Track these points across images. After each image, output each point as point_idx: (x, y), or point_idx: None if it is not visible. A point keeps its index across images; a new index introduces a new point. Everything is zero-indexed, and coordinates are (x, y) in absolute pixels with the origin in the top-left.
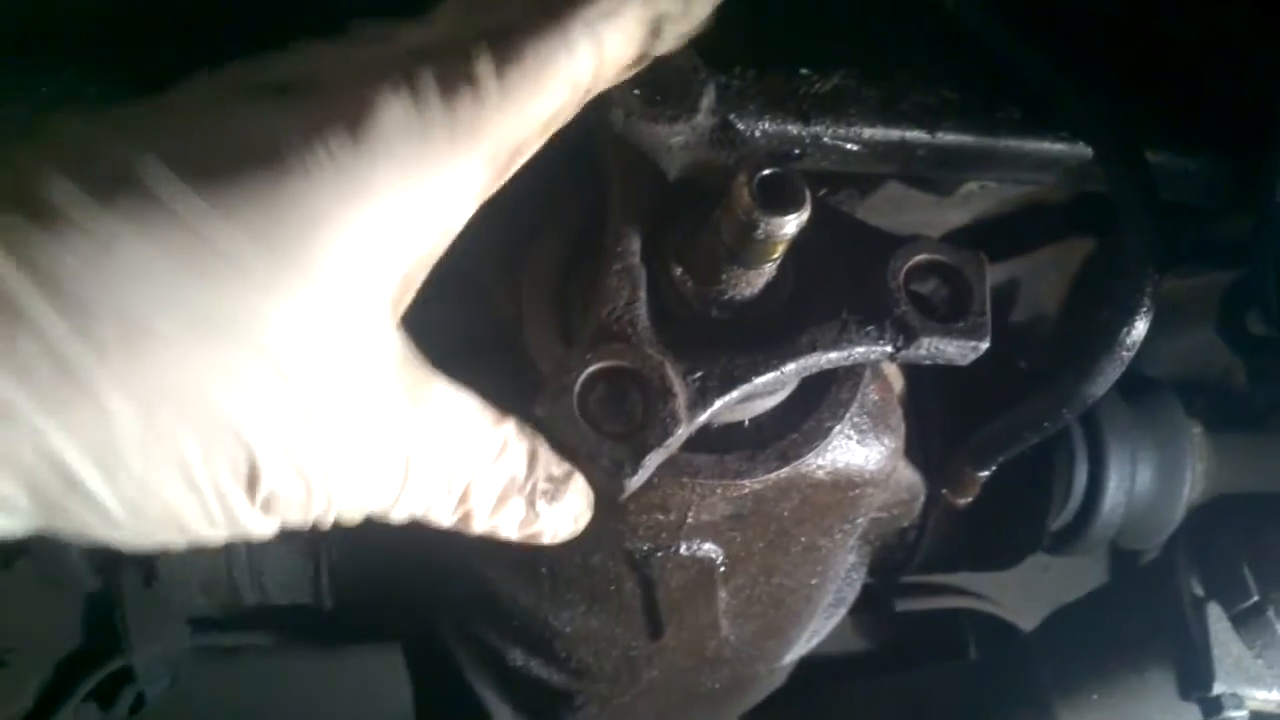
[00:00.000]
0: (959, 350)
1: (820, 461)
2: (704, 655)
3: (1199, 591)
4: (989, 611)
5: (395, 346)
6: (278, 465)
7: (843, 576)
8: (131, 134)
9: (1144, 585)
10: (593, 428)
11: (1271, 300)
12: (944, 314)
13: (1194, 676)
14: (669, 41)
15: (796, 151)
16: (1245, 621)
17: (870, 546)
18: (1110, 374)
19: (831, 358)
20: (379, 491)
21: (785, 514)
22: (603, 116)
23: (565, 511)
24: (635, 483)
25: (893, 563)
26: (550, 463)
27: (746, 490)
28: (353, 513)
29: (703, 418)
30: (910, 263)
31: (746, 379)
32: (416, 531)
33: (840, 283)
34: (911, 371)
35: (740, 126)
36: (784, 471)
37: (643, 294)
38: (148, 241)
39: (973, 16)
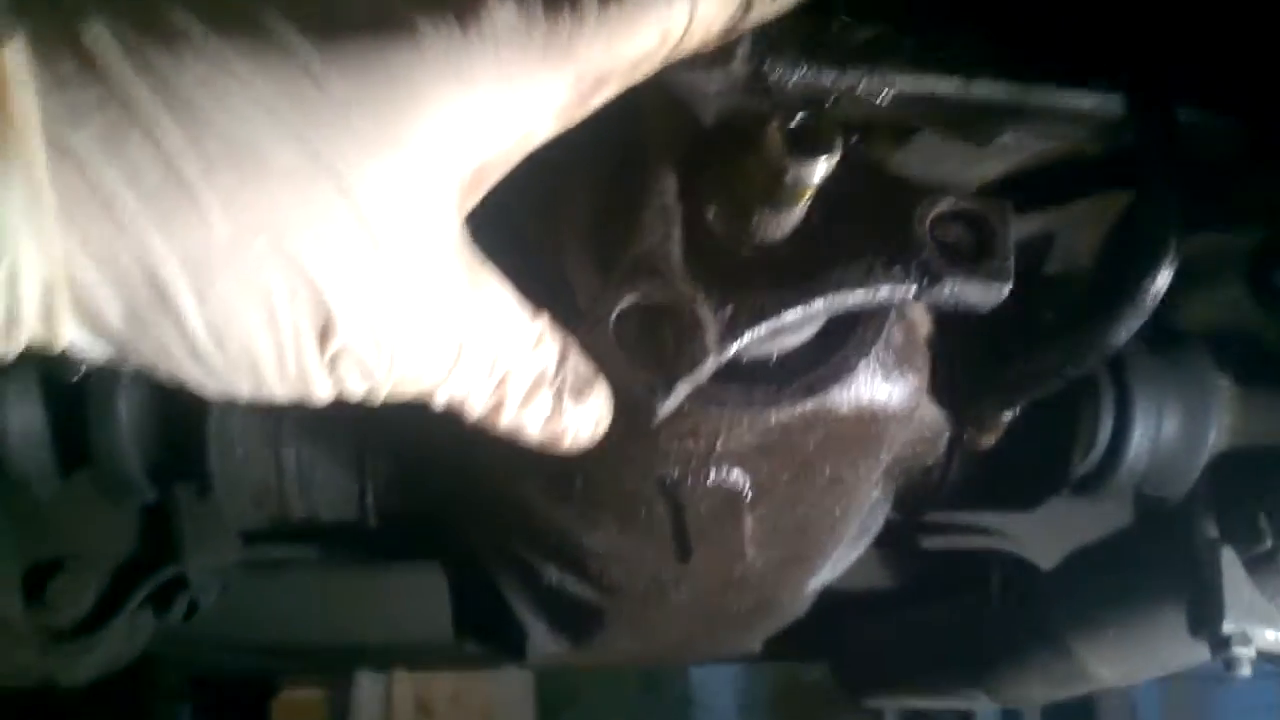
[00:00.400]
0: (981, 293)
1: (845, 396)
2: (730, 579)
3: (1214, 535)
4: (1011, 552)
5: (461, 230)
6: (352, 322)
7: (867, 510)
8: None
9: (1162, 528)
10: (626, 356)
11: None
12: (968, 258)
13: (1204, 614)
14: (756, 17)
15: (832, 98)
16: (1258, 566)
17: (895, 483)
18: (1132, 323)
19: (857, 296)
20: (432, 368)
21: (811, 446)
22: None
23: (588, 413)
24: (665, 409)
25: (917, 499)
26: (579, 362)
27: (773, 422)
28: (405, 388)
29: (731, 350)
30: (936, 210)
31: (774, 314)
32: (458, 454)
33: (869, 227)
34: (940, 315)
35: (774, 75)
36: (809, 404)
37: (677, 232)
38: (264, 75)
39: None
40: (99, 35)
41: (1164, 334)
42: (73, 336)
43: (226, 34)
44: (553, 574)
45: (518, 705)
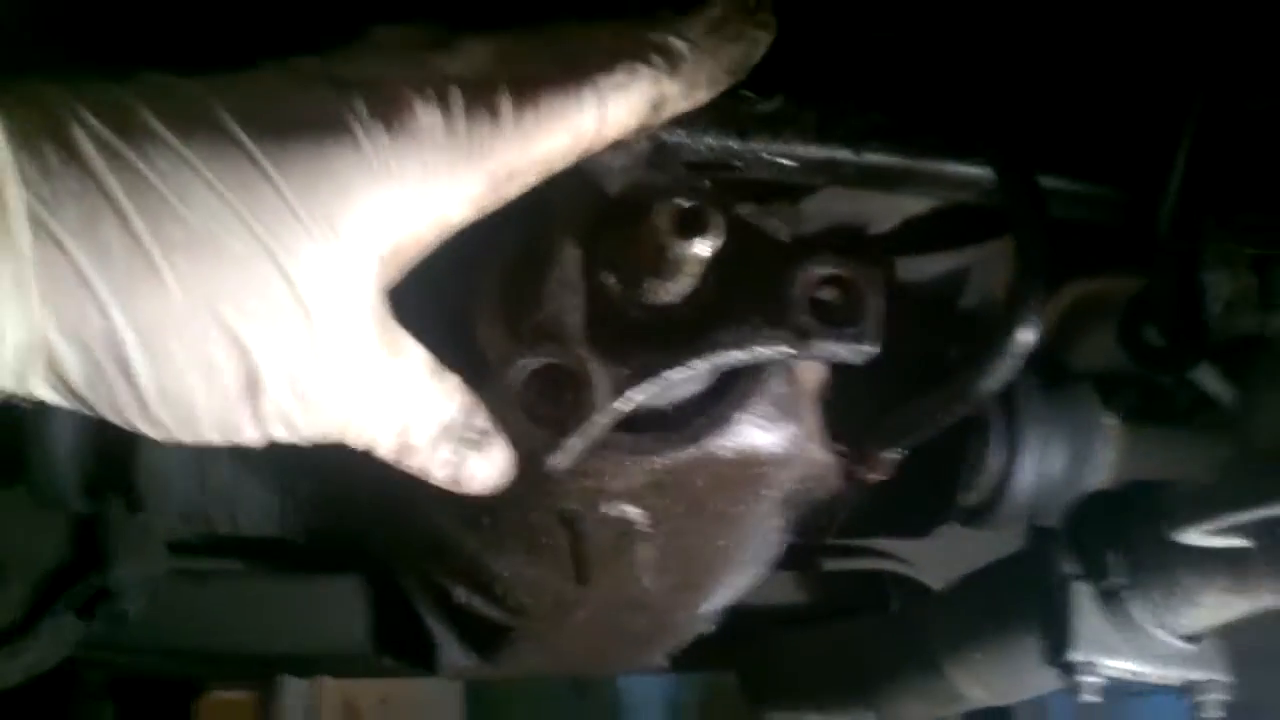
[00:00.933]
0: (850, 353)
1: (725, 443)
2: (627, 602)
3: (1070, 570)
4: (905, 574)
5: (381, 303)
6: (277, 382)
7: (760, 538)
8: (209, 89)
9: (1026, 562)
10: (528, 415)
11: (1163, 317)
12: (840, 320)
13: (1056, 644)
14: (668, 114)
15: (737, 164)
16: (1108, 599)
17: (792, 513)
18: (1000, 375)
19: (737, 356)
20: (346, 419)
21: (698, 485)
22: None
23: (489, 464)
24: (559, 463)
25: (815, 527)
26: (482, 419)
27: (659, 466)
28: (320, 435)
29: (619, 405)
30: (812, 274)
31: (659, 372)
32: (376, 478)
33: (752, 289)
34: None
35: (674, 144)
36: (693, 450)
37: (578, 299)
38: (222, 169)
39: (899, 57)
40: (80, 131)
41: (1055, 372)
42: (40, 393)
43: (189, 134)
44: (462, 594)
45: (446, 710)
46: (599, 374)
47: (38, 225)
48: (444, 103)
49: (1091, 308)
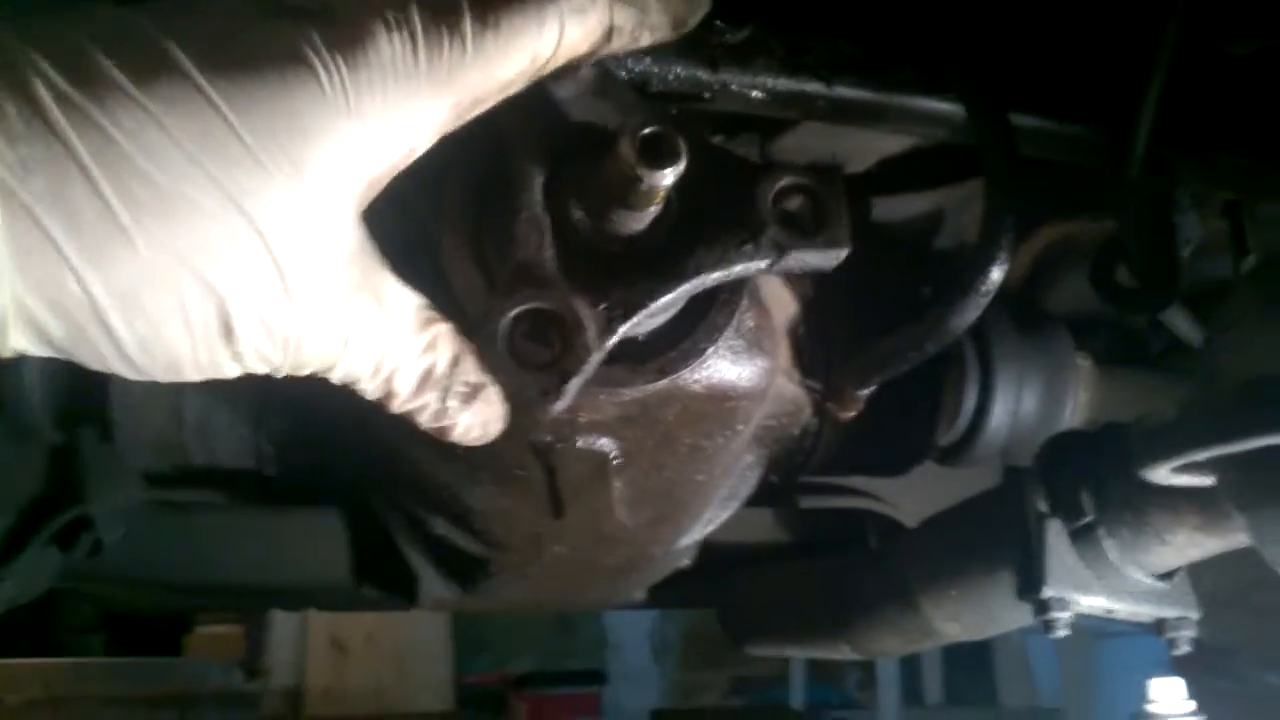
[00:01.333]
0: (823, 258)
1: (696, 376)
2: (602, 535)
3: (1043, 509)
4: (880, 512)
5: (355, 239)
6: (251, 323)
7: (737, 473)
8: (166, 27)
9: (1000, 500)
10: (517, 361)
11: (1134, 258)
12: (808, 229)
13: (1028, 580)
14: (616, 48)
15: (706, 95)
16: (1080, 537)
17: (767, 449)
18: (970, 312)
19: (715, 277)
20: (322, 357)
21: (670, 418)
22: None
23: (475, 415)
24: (560, 406)
25: (792, 463)
26: (470, 371)
27: (629, 398)
28: (300, 370)
29: (611, 342)
30: (776, 187)
31: (644, 304)
32: (352, 410)
33: (721, 209)
34: (816, 297)
35: (641, 73)
36: (663, 383)
37: (549, 238)
38: (184, 120)
39: None
40: (42, 87)
41: (1030, 314)
42: (19, 346)
43: (150, 83)
44: (440, 526)
45: (433, 644)
46: (585, 314)
47: (7, 195)
48: (406, 29)
49: (1067, 249)
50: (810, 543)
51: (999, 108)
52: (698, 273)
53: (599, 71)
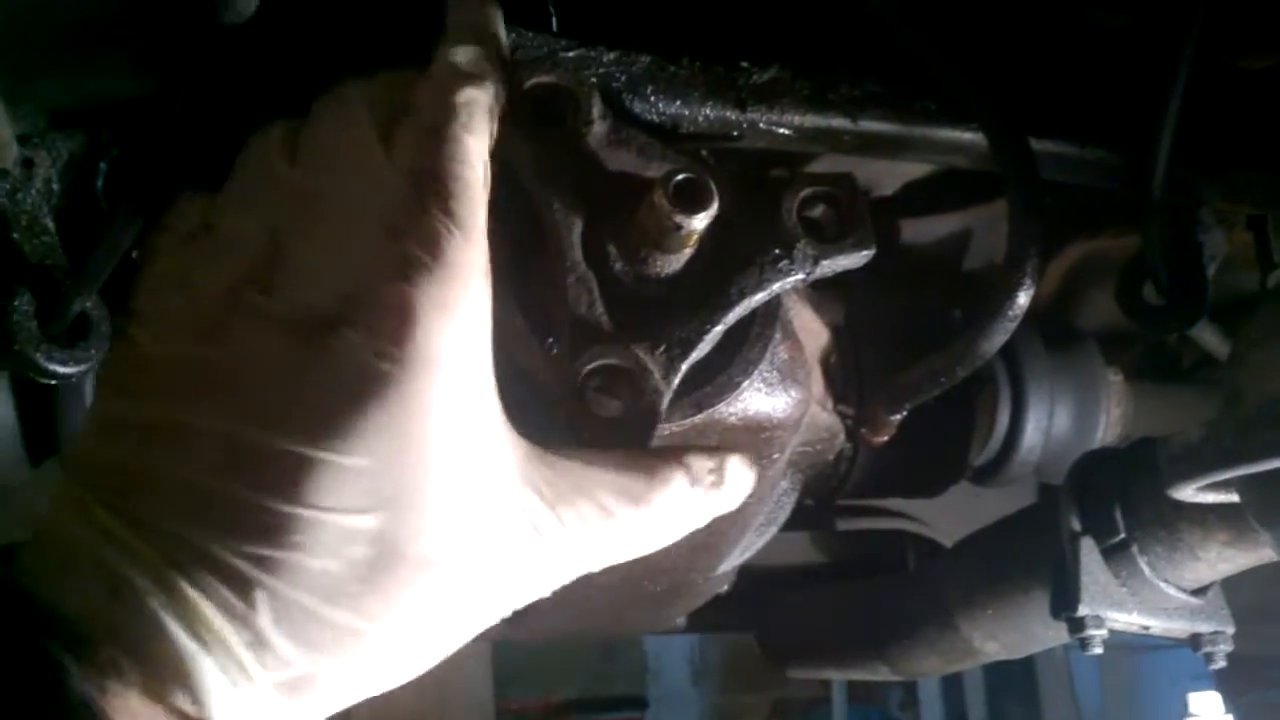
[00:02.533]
0: (853, 260)
1: (732, 409)
2: (645, 564)
3: (1076, 527)
4: (918, 532)
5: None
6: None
7: (773, 500)
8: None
9: (1034, 519)
10: (594, 417)
11: (1160, 277)
12: (835, 234)
13: (1063, 599)
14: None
15: (735, 134)
16: (1113, 555)
17: (802, 474)
18: (999, 336)
19: (759, 298)
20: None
21: None
22: (517, 150)
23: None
24: None
25: (827, 487)
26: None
27: (668, 431)
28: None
29: (676, 381)
30: (799, 199)
31: (700, 338)
32: None
33: (748, 230)
34: (846, 323)
35: (655, 117)
36: (700, 417)
37: (597, 292)
38: None
39: (891, 16)
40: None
41: (1060, 332)
42: None
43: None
44: None
45: (474, 671)
46: (647, 359)
47: None
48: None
49: (1094, 266)
50: (847, 564)
51: (1020, 135)
52: (742, 297)
53: (612, 123)
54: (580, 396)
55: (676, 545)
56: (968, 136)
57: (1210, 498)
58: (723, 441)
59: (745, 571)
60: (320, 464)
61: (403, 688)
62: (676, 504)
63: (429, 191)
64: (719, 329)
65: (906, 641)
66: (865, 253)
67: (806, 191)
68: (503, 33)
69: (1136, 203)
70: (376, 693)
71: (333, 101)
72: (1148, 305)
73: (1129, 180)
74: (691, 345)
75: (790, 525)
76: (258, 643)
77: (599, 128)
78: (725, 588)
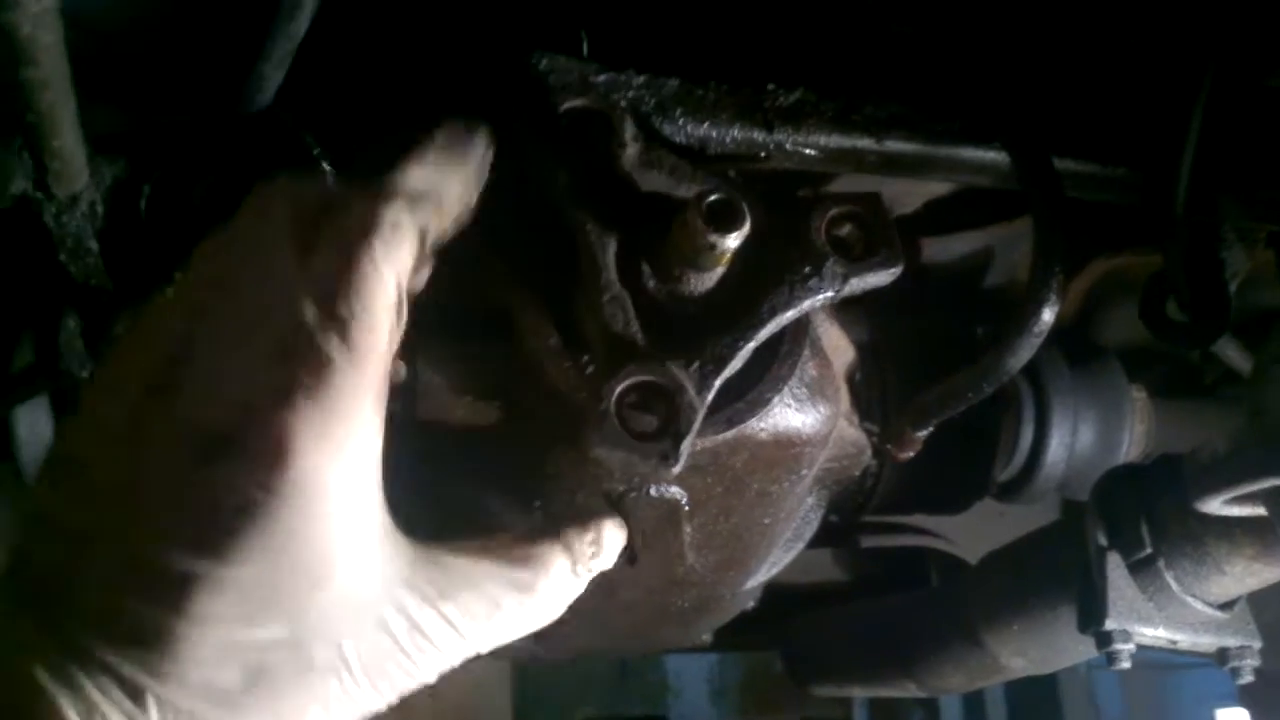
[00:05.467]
0: (881, 277)
1: (763, 425)
2: (673, 579)
3: (1102, 542)
4: (942, 549)
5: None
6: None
7: (800, 515)
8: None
9: (1060, 534)
10: (628, 432)
11: (1183, 293)
12: (861, 252)
13: (1090, 614)
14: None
15: (762, 155)
16: (1140, 569)
17: (828, 490)
18: (1023, 354)
19: (790, 315)
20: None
21: (738, 465)
22: (551, 172)
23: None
24: (679, 468)
25: (852, 504)
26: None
27: (700, 447)
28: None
29: (710, 397)
30: (826, 218)
31: (733, 355)
32: (427, 456)
33: (778, 249)
34: (871, 341)
35: (683, 139)
36: (731, 433)
37: (632, 311)
38: None
39: (918, 39)
40: None
41: (1083, 348)
42: None
43: None
44: None
45: (494, 694)
46: (682, 376)
47: None
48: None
49: (1117, 283)
50: (872, 582)
51: (1044, 155)
52: (773, 314)
53: (643, 145)
54: (616, 413)
55: (704, 560)
56: (991, 156)
57: (1236, 511)
58: (754, 457)
59: (770, 589)
60: (203, 579)
61: (421, 710)
62: (560, 586)
63: (325, 313)
64: (751, 345)
65: (933, 659)
66: (893, 270)
67: (834, 211)
68: (477, 167)
69: (1159, 220)
70: None
71: (257, 199)
72: (1171, 321)
73: (1151, 198)
74: (724, 362)
75: (815, 542)
76: None
77: (631, 150)
78: (751, 604)
